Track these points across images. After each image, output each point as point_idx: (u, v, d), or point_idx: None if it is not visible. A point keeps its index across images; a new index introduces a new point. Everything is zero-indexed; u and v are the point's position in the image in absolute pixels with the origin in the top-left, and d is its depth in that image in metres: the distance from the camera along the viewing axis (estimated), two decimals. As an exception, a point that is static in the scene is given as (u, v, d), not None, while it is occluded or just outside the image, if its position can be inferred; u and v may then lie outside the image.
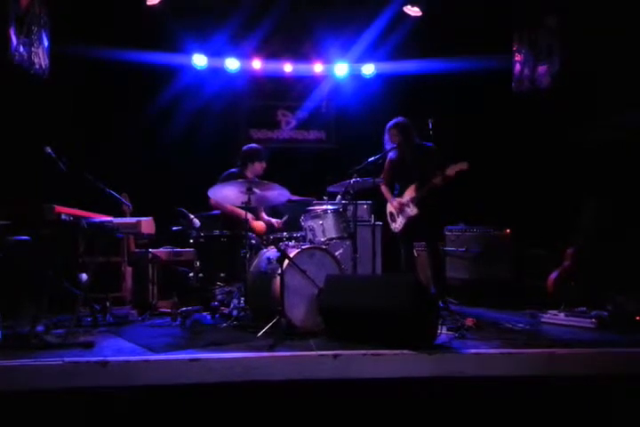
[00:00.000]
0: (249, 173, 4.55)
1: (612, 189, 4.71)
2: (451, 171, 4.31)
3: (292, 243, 4.00)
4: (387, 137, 4.71)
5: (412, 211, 4.56)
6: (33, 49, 5.10)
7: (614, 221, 4.48)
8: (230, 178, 4.27)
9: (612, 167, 4.86)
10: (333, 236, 4.14)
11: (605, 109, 5.03)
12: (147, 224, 4.02)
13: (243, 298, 3.84)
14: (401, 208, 4.64)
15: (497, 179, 5.82)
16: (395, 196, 4.75)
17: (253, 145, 4.77)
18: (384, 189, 4.83)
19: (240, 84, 6.60)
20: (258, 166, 4.58)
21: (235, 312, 3.85)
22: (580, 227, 4.52)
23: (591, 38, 5.06)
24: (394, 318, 3.01)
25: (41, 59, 5.24)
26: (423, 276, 4.88)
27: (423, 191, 4.49)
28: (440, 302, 4.45)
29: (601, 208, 4.53)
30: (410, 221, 4.60)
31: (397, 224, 4.71)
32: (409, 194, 4.59)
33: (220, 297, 4.16)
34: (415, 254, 4.92)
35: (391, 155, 4.76)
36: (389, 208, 4.82)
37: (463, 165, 4.30)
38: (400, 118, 4.69)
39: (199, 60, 6.27)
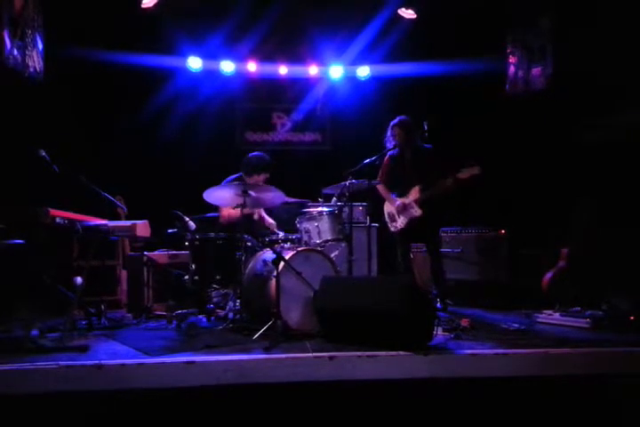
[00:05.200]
0: (252, 182, 4.43)
1: (605, 190, 4.74)
2: (463, 175, 4.31)
3: (288, 245, 4.00)
4: (389, 134, 4.68)
5: (416, 212, 4.55)
6: (27, 52, 5.10)
7: (608, 221, 4.50)
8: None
9: (606, 167, 4.88)
10: (329, 238, 4.14)
11: (600, 110, 5.05)
12: (142, 227, 4.02)
13: (238, 300, 3.83)
14: (404, 209, 4.63)
15: (492, 180, 5.83)
16: (397, 196, 4.73)
17: (258, 154, 4.59)
18: (381, 188, 4.81)
19: (235, 87, 6.62)
20: (262, 177, 4.50)
21: (230, 315, 3.84)
22: (573, 227, 4.54)
23: (584, 40, 5.09)
24: (389, 319, 3.02)
25: (35, 62, 5.24)
26: (419, 277, 4.89)
27: (429, 193, 4.48)
28: (439, 304, 4.47)
29: (595, 208, 4.55)
30: (412, 222, 4.59)
31: (398, 224, 4.70)
32: (413, 195, 4.58)
33: (215, 300, 4.15)
34: (411, 256, 4.92)
35: (391, 153, 4.74)
36: (388, 208, 4.80)
37: (475, 170, 4.28)
38: (404, 116, 4.67)
39: (194, 63, 6.28)
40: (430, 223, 4.61)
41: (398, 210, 4.67)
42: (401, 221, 4.67)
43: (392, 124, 4.67)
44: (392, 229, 4.79)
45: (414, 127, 4.63)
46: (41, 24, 5.31)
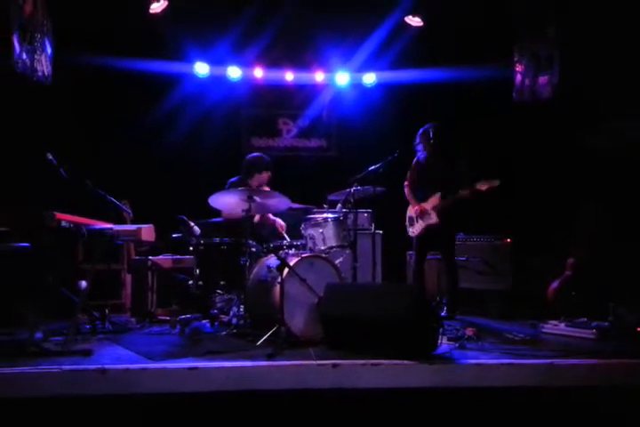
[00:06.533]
0: (254, 183, 4.46)
1: (612, 200, 4.71)
2: (482, 186, 4.28)
3: (293, 251, 3.99)
4: (417, 142, 4.65)
5: (432, 219, 4.52)
6: (36, 56, 5.13)
7: (615, 232, 4.48)
8: (233, 187, 4.29)
9: (612, 177, 4.86)
10: (334, 244, 4.13)
11: (605, 119, 5.04)
12: (147, 231, 4.01)
13: (242, 306, 3.83)
14: (422, 214, 4.60)
15: (497, 188, 5.81)
16: (418, 200, 4.70)
17: (257, 154, 4.63)
18: (407, 191, 4.80)
19: (242, 93, 6.64)
20: (264, 176, 4.50)
21: (234, 320, 3.84)
22: (580, 237, 4.52)
23: (591, 49, 5.09)
24: (394, 327, 3.00)
25: (44, 66, 5.27)
26: (427, 284, 4.87)
27: (447, 202, 4.45)
28: (445, 313, 4.45)
29: (602, 218, 4.53)
30: (428, 229, 4.57)
31: (415, 229, 4.68)
32: (433, 202, 4.55)
33: (219, 305, 4.15)
34: (424, 264, 4.86)
35: (419, 156, 4.71)
36: (410, 212, 4.78)
37: (495, 182, 4.26)
38: (430, 124, 4.63)
39: (201, 69, 6.30)
40: (447, 231, 4.58)
41: (417, 214, 4.64)
42: (418, 227, 4.64)
43: (419, 132, 4.64)
44: (410, 233, 4.76)
45: (441, 134, 4.58)
46: (50, 29, 5.34)
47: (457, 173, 4.49)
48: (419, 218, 4.64)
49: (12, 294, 3.62)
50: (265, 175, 4.51)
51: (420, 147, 4.64)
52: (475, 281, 5.07)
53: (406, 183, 4.79)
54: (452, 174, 4.49)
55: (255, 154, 4.65)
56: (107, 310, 4.00)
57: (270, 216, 4.62)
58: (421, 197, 4.67)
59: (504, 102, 5.95)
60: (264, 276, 3.75)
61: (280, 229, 4.62)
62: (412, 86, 6.25)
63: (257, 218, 4.54)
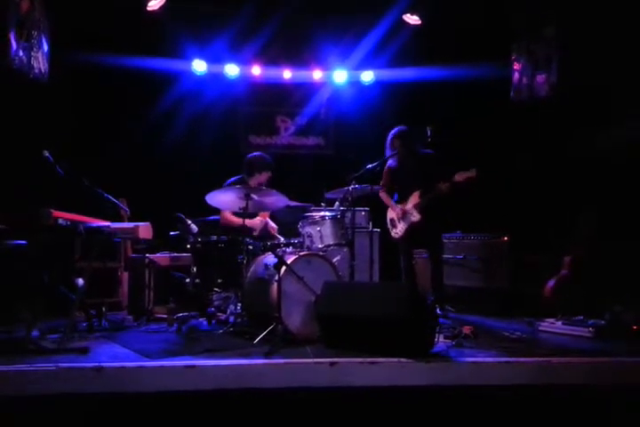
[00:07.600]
0: (253, 182, 4.44)
1: (611, 199, 4.72)
2: (459, 177, 4.31)
3: (290, 249, 4.00)
4: (388, 145, 4.70)
5: (414, 217, 4.54)
6: (33, 53, 5.11)
7: (611, 230, 4.48)
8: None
9: (611, 177, 4.86)
10: (331, 242, 4.13)
11: (604, 118, 5.04)
12: (144, 229, 4.00)
13: (239, 304, 3.83)
14: (403, 215, 4.62)
15: (495, 186, 5.83)
16: (396, 203, 4.74)
17: (258, 153, 4.62)
18: (384, 195, 4.83)
19: (239, 90, 6.63)
20: (264, 176, 4.49)
21: (231, 318, 3.84)
22: (578, 236, 4.53)
23: (589, 48, 5.09)
24: (391, 325, 3.01)
25: (40, 63, 5.25)
26: (421, 283, 4.87)
27: (427, 198, 4.48)
28: (439, 310, 4.45)
29: (601, 217, 4.53)
30: (411, 227, 4.58)
31: (398, 230, 4.69)
32: (412, 200, 4.57)
33: (216, 303, 4.15)
34: (413, 263, 4.89)
35: (390, 162, 4.77)
36: (390, 215, 4.80)
37: (472, 173, 4.28)
38: (400, 128, 4.69)
39: (199, 66, 6.30)
40: (431, 229, 4.60)
41: (399, 216, 4.67)
42: (401, 228, 4.66)
43: (389, 137, 4.68)
44: (393, 235, 4.77)
45: (412, 136, 4.61)
46: (47, 26, 5.33)
47: (432, 169, 4.51)
48: (400, 219, 4.66)
49: (8, 292, 3.61)
50: (265, 175, 4.50)
51: (389, 152, 4.65)
52: (472, 279, 5.08)
53: (381, 189, 4.81)
54: (427, 171, 4.52)
55: (256, 153, 4.64)
56: (104, 308, 3.99)
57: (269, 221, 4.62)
58: (401, 199, 4.70)
59: (502, 101, 5.95)
60: (261, 274, 3.75)
61: (273, 232, 4.61)
62: (409, 84, 6.25)
63: (256, 233, 4.46)
